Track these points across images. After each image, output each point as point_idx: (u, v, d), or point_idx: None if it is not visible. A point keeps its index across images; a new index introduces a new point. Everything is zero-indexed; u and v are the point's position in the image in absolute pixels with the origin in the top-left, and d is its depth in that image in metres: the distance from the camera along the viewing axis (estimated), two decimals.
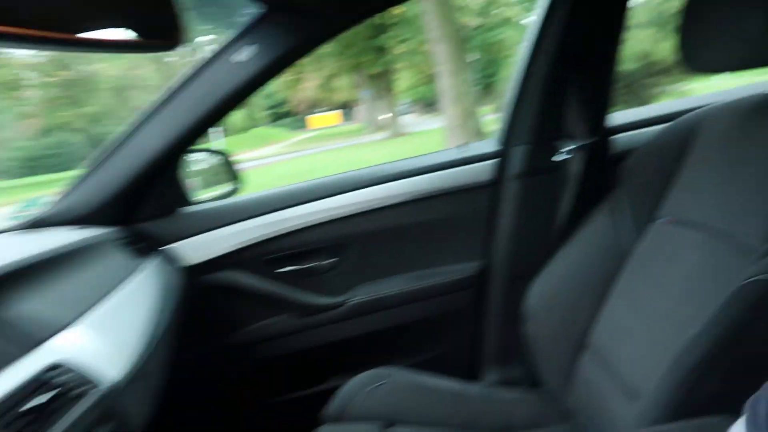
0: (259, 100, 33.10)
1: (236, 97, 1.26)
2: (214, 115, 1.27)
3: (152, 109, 1.26)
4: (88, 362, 0.75)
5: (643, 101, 9.09)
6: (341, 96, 25.68)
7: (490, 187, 1.54)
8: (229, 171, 1.64)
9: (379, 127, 20.21)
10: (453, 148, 1.64)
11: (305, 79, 20.40)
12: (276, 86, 23.75)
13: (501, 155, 1.53)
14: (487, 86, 18.24)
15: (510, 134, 1.53)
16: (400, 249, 1.57)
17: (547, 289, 1.21)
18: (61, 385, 0.68)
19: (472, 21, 17.74)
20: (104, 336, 0.84)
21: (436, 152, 1.68)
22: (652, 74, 10.00)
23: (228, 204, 1.50)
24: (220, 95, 1.24)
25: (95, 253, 1.10)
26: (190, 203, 1.49)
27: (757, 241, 0.80)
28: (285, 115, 32.82)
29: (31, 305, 0.80)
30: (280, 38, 1.22)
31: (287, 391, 1.59)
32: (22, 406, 0.61)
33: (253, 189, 1.72)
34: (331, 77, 19.87)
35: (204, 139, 1.41)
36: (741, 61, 0.88)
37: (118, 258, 1.15)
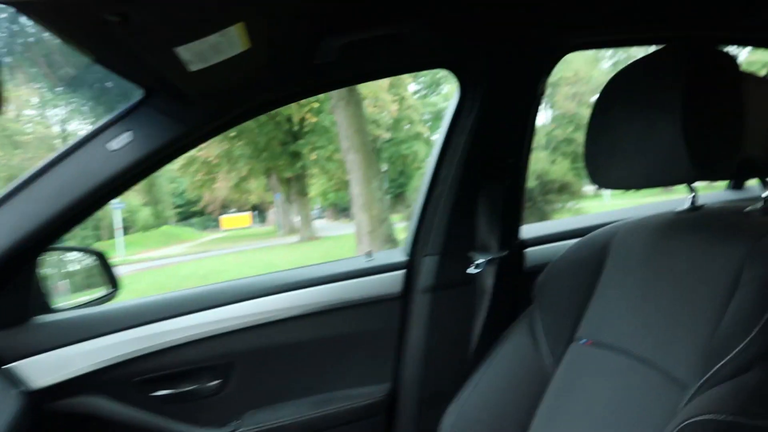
0: (169, 197, 32.31)
1: (108, 189, 1.10)
2: (81, 208, 1.09)
3: (3, 196, 1.06)
4: None
5: (543, 216, 9.61)
6: (254, 198, 25.63)
7: (400, 300, 1.42)
8: (104, 273, 1.44)
9: (292, 230, 20.05)
10: (359, 257, 1.53)
11: (218, 179, 20.25)
12: (188, 185, 23.57)
13: (409, 266, 1.44)
14: (398, 195, 18.85)
15: (419, 245, 1.45)
16: (297, 369, 1.39)
17: (463, 418, 1.07)
18: None
19: (384, 134, 18.62)
20: None
21: (339, 260, 1.56)
22: (549, 192, 10.68)
23: (94, 313, 1.28)
24: (89, 185, 1.07)
25: None
26: (49, 311, 1.25)
27: (687, 373, 0.73)
28: (195, 214, 32.06)
29: None
30: (158, 126, 1.10)
31: None
32: None
33: (151, 291, 1.50)
34: (244, 179, 19.81)
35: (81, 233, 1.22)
36: (646, 179, 0.85)
37: None
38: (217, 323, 1.30)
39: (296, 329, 1.36)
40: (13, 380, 1.13)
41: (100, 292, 1.43)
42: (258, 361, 1.35)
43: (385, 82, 18.70)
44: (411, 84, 22.70)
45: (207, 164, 18.37)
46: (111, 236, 22.23)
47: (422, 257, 1.42)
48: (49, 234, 1.10)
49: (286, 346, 1.36)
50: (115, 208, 22.21)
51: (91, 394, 1.22)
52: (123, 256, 19.25)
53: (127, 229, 23.38)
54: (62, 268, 1.37)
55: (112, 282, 1.45)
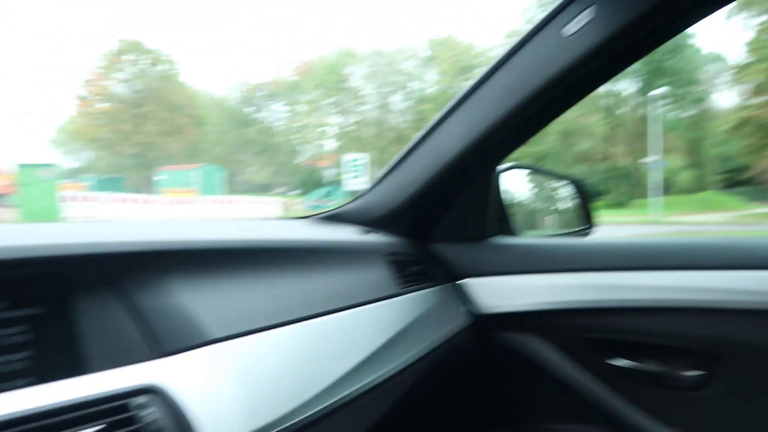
0: (714, 162, 29.69)
1: (560, 87, 0.86)
2: (531, 112, 0.90)
3: (459, 101, 0.96)
4: (215, 405, 0.52)
5: None
6: None
7: None
8: (581, 207, 1.25)
9: None
10: None
11: None
12: (737, 150, 21.12)
13: None
14: None
15: None
16: None
17: None
18: (134, 425, 0.46)
19: None
20: (279, 365, 0.61)
21: None
22: None
23: (556, 245, 1.10)
24: (537, 82, 0.86)
25: (345, 259, 0.89)
26: (508, 233, 1.14)
27: None
28: (743, 183, 28.26)
29: (205, 294, 0.62)
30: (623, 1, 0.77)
31: None
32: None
33: None
34: None
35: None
36: None
37: (375, 272, 0.91)
38: (707, 292, 0.92)
39: None
40: (464, 297, 1.08)
41: (570, 226, 1.24)
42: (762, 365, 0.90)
43: None
44: None
45: (763, 127, 15.78)
46: (647, 195, 22.10)
47: None
48: (498, 145, 0.97)
49: None
50: (654, 167, 21.85)
51: (534, 334, 1.06)
52: (657, 216, 18.90)
53: (664, 190, 22.71)
54: (529, 192, 1.24)
55: (587, 218, 1.24)
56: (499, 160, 1.05)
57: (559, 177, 1.28)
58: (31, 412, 0.43)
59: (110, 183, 22.30)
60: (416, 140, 1.01)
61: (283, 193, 29.88)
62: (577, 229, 1.22)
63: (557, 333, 1.05)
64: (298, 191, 30.35)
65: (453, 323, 1.01)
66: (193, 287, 0.60)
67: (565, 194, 1.27)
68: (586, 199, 1.25)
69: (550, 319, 1.04)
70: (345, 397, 0.67)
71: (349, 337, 0.74)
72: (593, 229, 1.24)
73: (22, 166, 14.57)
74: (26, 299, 0.50)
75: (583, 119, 23.79)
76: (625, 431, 0.99)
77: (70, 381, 0.47)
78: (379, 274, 0.91)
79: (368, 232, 1.02)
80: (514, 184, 1.17)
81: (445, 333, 0.96)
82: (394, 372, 0.79)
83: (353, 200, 1.12)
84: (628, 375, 1.01)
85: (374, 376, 0.74)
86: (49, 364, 0.48)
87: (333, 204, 1.16)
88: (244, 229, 0.86)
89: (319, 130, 37.52)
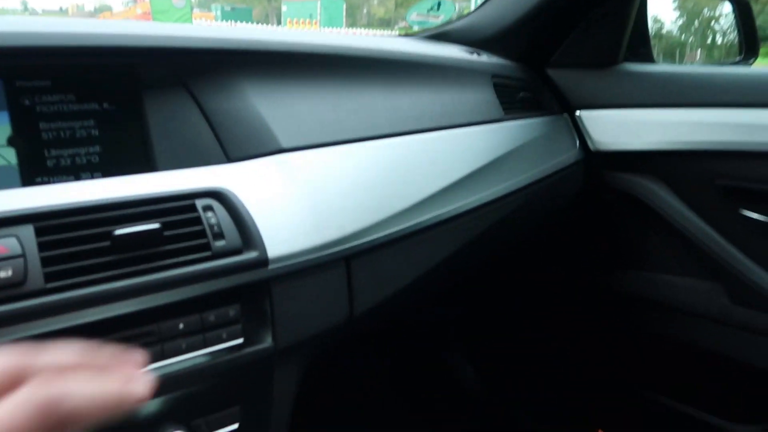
0: None
1: None
2: None
3: None
4: (278, 216, 0.50)
5: None
6: None
7: None
8: (741, 31, 1.04)
9: None
10: None
11: None
12: None
13: None
14: None
15: None
16: None
17: None
18: (196, 227, 0.45)
19: None
20: (349, 184, 0.57)
21: None
22: None
23: (700, 75, 0.92)
24: None
25: (443, 78, 0.80)
26: (644, 60, 0.98)
27: None
28: None
29: (294, 102, 0.58)
30: None
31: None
32: (125, 226, 0.42)
33: None
34: None
35: None
36: None
37: (477, 95, 0.82)
38: None
39: None
40: (578, 130, 0.97)
41: (724, 57, 1.05)
42: None
43: None
44: None
45: None
46: None
47: None
48: None
49: None
50: None
51: (653, 176, 0.94)
52: None
53: None
54: (684, 17, 1.03)
55: (749, 45, 1.03)
56: None
57: None
58: (97, 202, 0.43)
59: (238, 13, 22.55)
60: None
61: (406, 29, 28.85)
62: (731, 61, 1.03)
63: (682, 176, 0.92)
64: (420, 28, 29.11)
65: (560, 157, 0.92)
66: (268, 93, 0.56)
67: (724, 23, 1.05)
68: (750, 23, 1.03)
69: (676, 161, 0.92)
70: (427, 220, 0.63)
71: (438, 159, 0.68)
72: (752, 61, 1.03)
73: None
74: (95, 94, 0.48)
75: None
76: (747, 290, 0.89)
77: (137, 177, 0.46)
78: (480, 98, 0.83)
79: (474, 52, 0.91)
80: (660, 3, 0.97)
81: (549, 167, 0.88)
82: (485, 201, 0.73)
83: (463, 17, 0.99)
84: (762, 230, 0.88)
85: (463, 202, 0.69)
86: (117, 159, 0.48)
87: (440, 21, 1.04)
88: (331, 38, 0.79)
89: None
